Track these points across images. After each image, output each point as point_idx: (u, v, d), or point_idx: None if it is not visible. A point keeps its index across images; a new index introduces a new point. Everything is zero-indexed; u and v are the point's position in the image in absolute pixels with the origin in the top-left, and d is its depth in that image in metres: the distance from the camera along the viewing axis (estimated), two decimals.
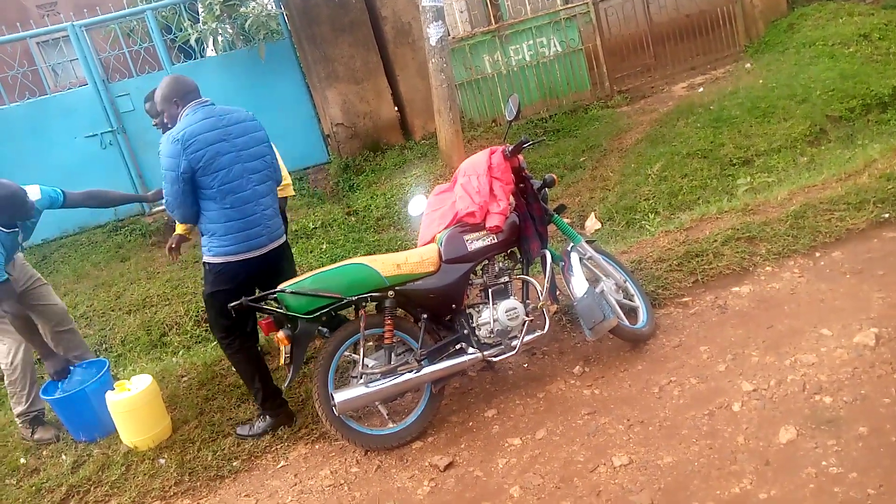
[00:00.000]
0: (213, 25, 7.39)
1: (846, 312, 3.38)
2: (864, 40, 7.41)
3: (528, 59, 8.05)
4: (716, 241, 4.24)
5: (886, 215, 4.17)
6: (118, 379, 3.81)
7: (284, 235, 3.57)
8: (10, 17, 7.88)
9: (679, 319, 3.74)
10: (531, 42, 8.02)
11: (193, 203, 3.29)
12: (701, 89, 7.84)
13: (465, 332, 3.40)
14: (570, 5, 8.38)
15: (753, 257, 4.09)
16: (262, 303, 3.22)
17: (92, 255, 6.51)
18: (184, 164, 3.17)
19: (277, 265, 3.48)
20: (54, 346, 3.93)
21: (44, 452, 3.73)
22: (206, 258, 3.36)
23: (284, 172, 4.13)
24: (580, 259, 3.59)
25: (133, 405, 3.52)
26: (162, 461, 3.38)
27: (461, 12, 9.62)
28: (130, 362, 4.75)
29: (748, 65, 8.07)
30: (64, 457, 3.62)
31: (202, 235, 3.38)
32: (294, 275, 3.48)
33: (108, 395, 3.59)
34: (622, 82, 8.61)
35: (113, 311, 5.33)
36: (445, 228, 3.46)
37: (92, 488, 3.38)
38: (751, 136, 6.06)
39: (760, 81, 7.19)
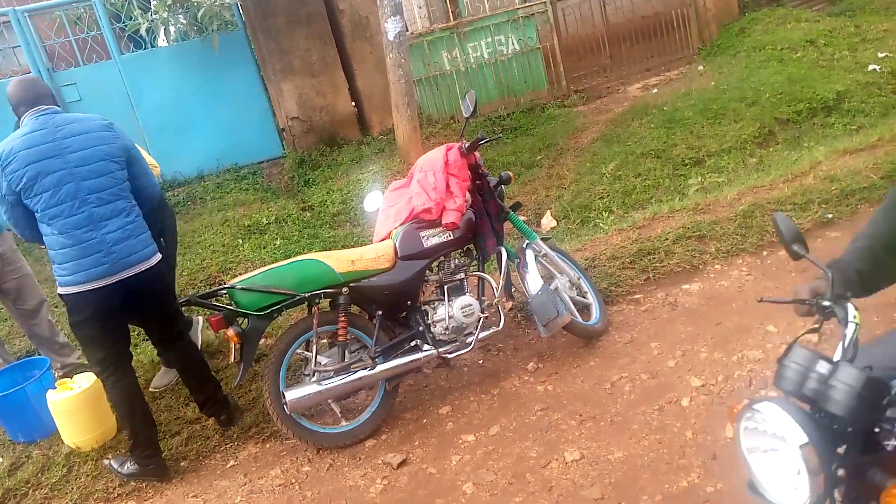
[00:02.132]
0: (165, 15, 7.18)
1: (791, 310, 3.46)
2: (810, 46, 7.63)
3: (486, 56, 8.06)
4: (667, 239, 4.32)
5: (830, 215, 4.31)
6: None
7: (151, 258, 3.08)
8: None
9: (631, 316, 3.79)
10: (489, 40, 8.03)
11: (32, 225, 2.96)
12: (655, 90, 7.97)
13: (421, 328, 3.38)
14: (527, 4, 8.43)
15: (703, 255, 4.18)
16: (212, 299, 3.15)
17: (39, 253, 6.26)
18: (3, 184, 2.85)
19: (139, 294, 3.05)
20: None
21: None
22: (56, 288, 3.04)
23: (150, 159, 3.66)
24: (535, 256, 3.61)
25: (75, 404, 3.40)
26: (106, 462, 3.26)
27: (420, 8, 9.60)
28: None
29: (701, 67, 8.24)
30: (1, 459, 3.47)
31: None
32: (171, 297, 3.29)
33: (49, 394, 3.46)
34: (579, 82, 8.70)
35: (59, 308, 5.13)
36: (401, 225, 3.43)
37: (30, 491, 3.25)
38: (702, 137, 6.19)
39: (712, 84, 7.35)
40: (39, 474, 3.34)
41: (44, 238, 2.98)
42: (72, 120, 3.00)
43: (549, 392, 3.31)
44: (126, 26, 7.14)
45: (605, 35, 8.98)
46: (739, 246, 4.19)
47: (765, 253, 4.12)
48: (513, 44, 8.13)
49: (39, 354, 4.06)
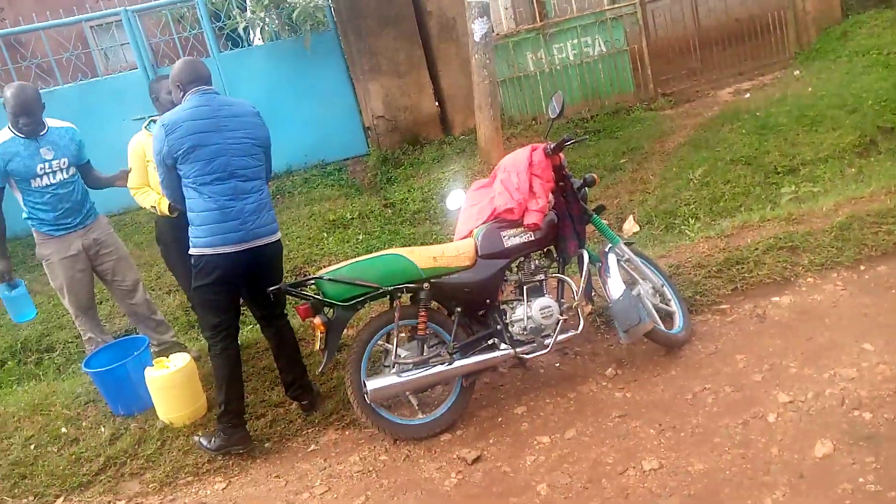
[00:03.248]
0: (261, 14, 7.50)
1: (890, 328, 3.30)
2: None
3: (571, 58, 7.99)
4: (757, 249, 4.17)
5: None
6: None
7: (276, 234, 3.40)
8: (66, 1, 8.09)
9: (716, 327, 3.69)
10: (576, 41, 7.95)
11: (179, 187, 3.29)
12: (747, 95, 7.69)
13: (499, 327, 3.41)
14: (616, 5, 8.29)
15: (795, 267, 4.01)
16: (301, 289, 3.28)
17: (135, 236, 6.67)
18: (165, 149, 3.17)
19: (261, 264, 3.35)
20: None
21: (83, 424, 3.84)
22: (189, 250, 3.32)
23: None
24: (618, 260, 3.56)
25: (171, 382, 3.61)
26: (196, 439, 3.45)
27: (506, 9, 9.59)
28: None
29: (797, 72, 7.89)
30: (102, 429, 3.73)
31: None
32: (279, 278, 3.45)
33: (147, 371, 3.68)
34: (667, 85, 8.49)
35: (153, 290, 5.45)
36: (483, 224, 3.46)
37: (128, 460, 3.48)
38: (797, 145, 5.93)
39: (809, 89, 7.03)
40: (136, 446, 3.56)
41: (187, 201, 3.28)
42: (230, 103, 3.34)
43: (627, 399, 3.27)
44: (225, 25, 7.49)
45: (696, 38, 8.72)
46: (835, 259, 4.00)
47: (862, 267, 3.92)
48: (599, 45, 8.02)
49: (138, 333, 4.32)
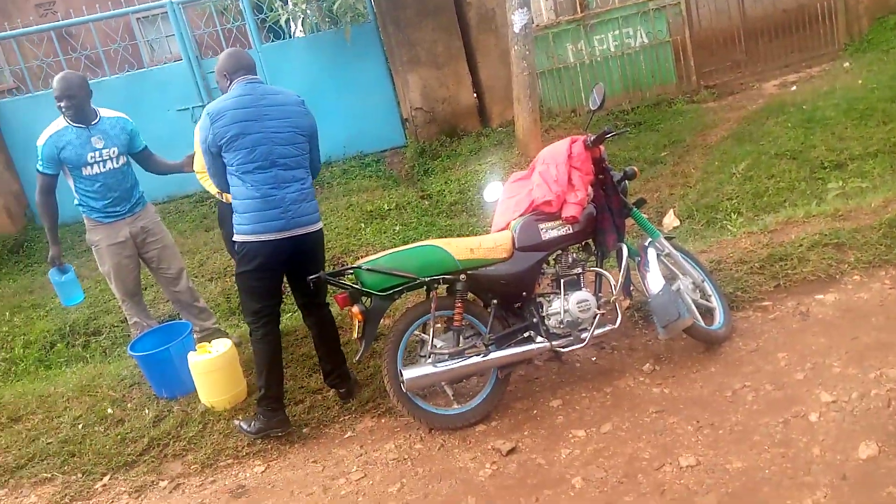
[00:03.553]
0: (303, 6, 7.57)
1: None
2: None
3: (612, 49, 7.89)
4: (801, 245, 4.08)
5: None
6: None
7: (317, 223, 3.45)
8: None
9: (757, 324, 3.63)
10: (617, 32, 7.85)
11: (224, 175, 3.35)
12: (794, 88, 7.50)
13: (535, 320, 3.40)
14: None
15: (841, 265, 3.91)
16: (340, 278, 3.32)
17: (178, 224, 6.84)
18: (210, 136, 3.24)
19: (302, 252, 3.39)
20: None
21: (128, 405, 3.96)
22: (234, 236, 3.42)
23: None
24: (657, 255, 3.53)
25: (212, 367, 3.70)
26: (236, 422, 3.53)
27: (546, 0, 9.52)
28: None
29: (847, 64, 7.66)
30: (147, 411, 3.84)
31: None
32: (320, 267, 3.48)
33: (190, 355, 3.78)
34: (710, 77, 8.33)
35: (196, 277, 5.58)
36: (521, 216, 3.46)
37: (171, 442, 3.58)
38: (845, 139, 5.77)
39: (859, 82, 6.82)
40: (179, 428, 3.66)
41: (231, 189, 3.36)
42: (274, 92, 3.37)
43: (664, 395, 3.24)
44: (267, 17, 7.58)
45: (741, 29, 8.53)
46: (883, 257, 3.89)
47: None
48: (641, 37, 7.90)
49: (181, 319, 4.44)
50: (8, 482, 3.50)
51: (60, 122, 3.88)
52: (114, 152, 3.97)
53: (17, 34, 7.40)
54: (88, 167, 3.90)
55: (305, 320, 3.68)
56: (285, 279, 3.56)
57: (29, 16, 10.66)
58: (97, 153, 3.90)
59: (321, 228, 3.51)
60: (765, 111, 6.77)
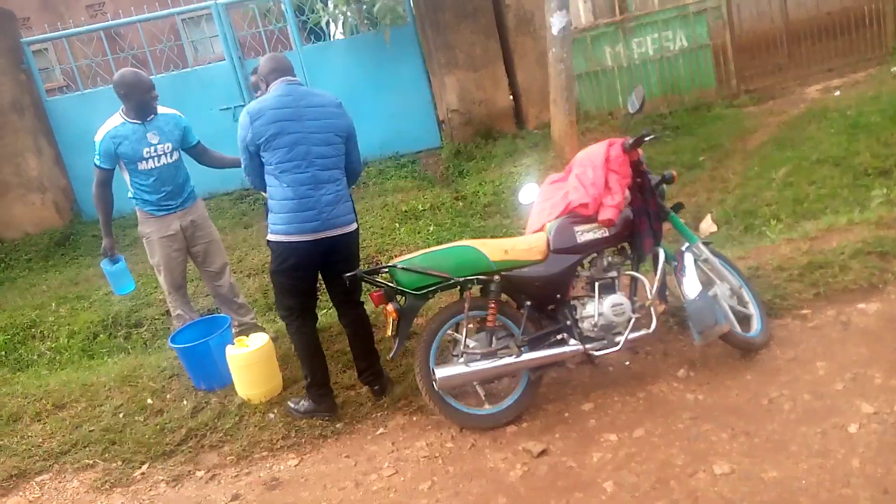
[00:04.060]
0: (343, 9, 7.67)
1: None
2: None
3: (651, 52, 7.81)
4: (843, 253, 4.00)
5: None
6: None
7: (351, 224, 3.50)
8: None
9: (796, 332, 3.57)
10: (656, 35, 7.78)
11: (261, 174, 3.42)
12: (837, 93, 7.33)
13: (568, 323, 3.39)
14: None
15: (885, 274, 3.82)
16: (375, 276, 3.36)
17: (218, 221, 6.96)
18: (249, 135, 3.30)
19: (336, 251, 3.44)
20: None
21: (168, 396, 4.07)
22: (267, 235, 3.49)
23: None
24: (695, 260, 3.49)
25: (249, 360, 3.78)
26: (271, 416, 3.60)
27: (584, 2, 9.48)
28: None
29: (895, 68, 7.46)
30: (185, 402, 3.94)
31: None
32: (354, 267, 3.49)
33: (228, 349, 3.86)
34: (751, 81, 8.19)
35: (235, 273, 5.68)
36: (556, 218, 3.45)
37: (208, 433, 3.66)
38: (891, 146, 5.62)
39: None
40: (216, 419, 3.75)
41: (268, 188, 3.43)
42: (312, 93, 3.43)
43: (699, 401, 3.20)
44: (308, 19, 7.69)
45: (783, 32, 8.37)
46: None
47: None
48: (681, 40, 7.82)
49: (220, 312, 4.53)
50: (52, 467, 3.63)
51: (117, 119, 4.01)
52: (168, 147, 4.09)
53: (69, 34, 7.65)
54: (144, 162, 4.02)
55: (340, 318, 3.74)
56: (320, 277, 3.62)
57: (80, 16, 11.01)
58: (152, 148, 4.03)
59: (356, 229, 3.56)
60: (807, 116, 6.64)
